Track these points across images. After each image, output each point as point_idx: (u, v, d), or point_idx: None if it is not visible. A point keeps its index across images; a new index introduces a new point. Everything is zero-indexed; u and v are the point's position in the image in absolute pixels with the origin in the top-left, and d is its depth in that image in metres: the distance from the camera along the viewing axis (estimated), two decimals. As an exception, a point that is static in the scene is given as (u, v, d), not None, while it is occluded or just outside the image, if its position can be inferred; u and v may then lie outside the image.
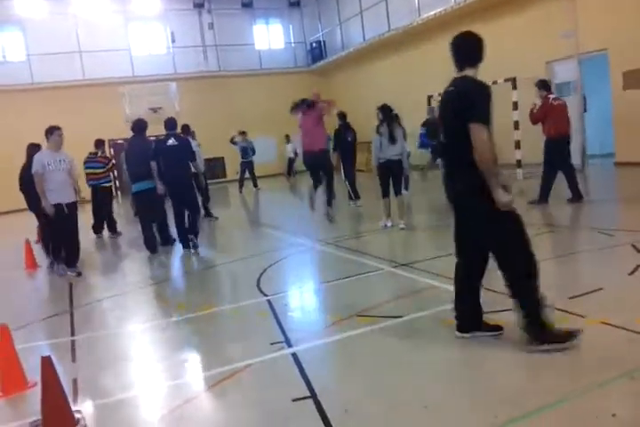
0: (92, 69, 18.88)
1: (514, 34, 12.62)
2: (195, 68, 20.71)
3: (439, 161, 12.29)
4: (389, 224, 7.83)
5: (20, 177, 7.71)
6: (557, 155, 8.11)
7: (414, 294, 4.74)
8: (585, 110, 11.31)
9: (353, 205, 10.34)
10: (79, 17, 19.03)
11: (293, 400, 2.98)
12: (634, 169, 10.70)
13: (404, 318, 4.08)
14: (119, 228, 10.22)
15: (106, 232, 10.14)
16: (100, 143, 10.34)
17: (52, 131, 6.72)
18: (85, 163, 9.88)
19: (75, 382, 3.57)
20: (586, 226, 7.17)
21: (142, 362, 3.99)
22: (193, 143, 8.68)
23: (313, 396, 3.01)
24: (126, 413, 3.15)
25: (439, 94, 13.25)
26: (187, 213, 7.79)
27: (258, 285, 5.52)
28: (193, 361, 3.98)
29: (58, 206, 6.65)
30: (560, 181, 8.23)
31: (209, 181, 11.55)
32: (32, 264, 7.82)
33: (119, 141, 17.42)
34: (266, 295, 5.12)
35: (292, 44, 23.06)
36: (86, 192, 8.61)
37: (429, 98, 13.80)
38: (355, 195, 10.42)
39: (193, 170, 8.04)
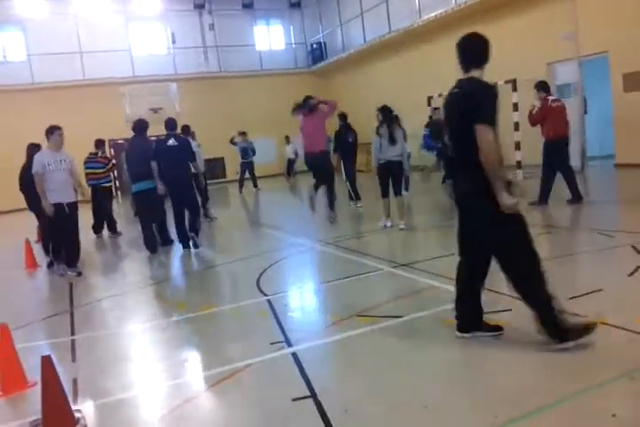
0: (92, 69, 18.89)
1: (514, 35, 12.63)
2: (195, 69, 20.73)
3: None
4: (389, 224, 7.84)
5: (20, 177, 7.72)
6: (556, 156, 8.13)
7: (414, 295, 4.74)
8: (585, 112, 11.35)
9: (353, 206, 10.34)
10: (80, 17, 19.04)
11: (293, 400, 2.98)
12: (634, 170, 10.71)
13: (403, 318, 4.09)
14: (119, 228, 10.23)
15: (106, 232, 10.14)
16: (100, 143, 10.35)
17: (52, 130, 6.72)
18: (85, 163, 9.89)
19: (75, 381, 3.57)
20: (586, 227, 7.18)
21: (142, 362, 3.99)
22: (193, 144, 8.69)
23: (313, 396, 3.01)
24: (126, 412, 3.15)
25: (439, 95, 13.24)
26: (187, 213, 7.80)
27: (258, 285, 5.52)
28: (193, 361, 3.98)
29: (59, 206, 6.65)
30: (560, 183, 8.24)
31: (209, 182, 11.56)
32: (32, 264, 7.82)
33: (119, 142, 17.43)
34: (266, 295, 5.12)
35: (293, 45, 23.08)
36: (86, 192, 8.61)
37: (429, 99, 13.82)
38: (355, 195, 10.42)
39: (193, 170, 8.05)
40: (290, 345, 3.81)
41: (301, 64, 22.89)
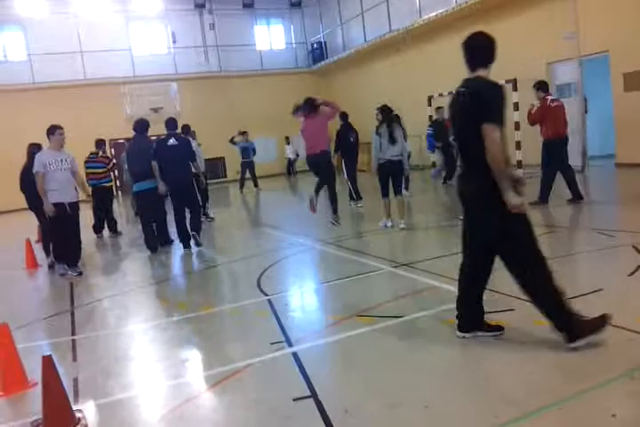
0: (92, 69, 18.90)
1: (515, 35, 12.61)
2: (196, 69, 20.72)
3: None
4: (389, 224, 7.84)
5: (21, 177, 7.72)
6: (555, 156, 8.14)
7: (414, 294, 4.75)
8: (586, 112, 11.35)
9: (354, 206, 10.34)
10: (80, 17, 19.04)
11: (294, 400, 2.98)
12: (634, 170, 10.71)
13: (404, 317, 4.08)
14: (119, 228, 10.23)
15: (106, 232, 10.15)
16: (100, 143, 10.36)
17: (53, 130, 6.73)
18: (86, 163, 9.89)
19: (75, 381, 3.57)
20: (586, 227, 7.18)
21: (143, 362, 3.99)
22: (193, 143, 8.69)
23: (313, 395, 3.01)
24: (127, 412, 3.16)
25: (440, 95, 13.25)
26: (187, 213, 7.81)
27: (258, 284, 5.53)
28: (193, 361, 3.98)
29: (60, 206, 6.65)
30: (560, 182, 8.25)
31: (209, 181, 11.55)
32: (33, 264, 7.82)
33: (120, 141, 17.45)
34: (266, 295, 5.12)
35: (293, 45, 23.07)
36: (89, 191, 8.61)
37: (430, 98, 13.82)
38: (356, 195, 10.42)
39: (193, 170, 8.06)
40: (290, 345, 3.81)
41: (302, 64, 22.88)
